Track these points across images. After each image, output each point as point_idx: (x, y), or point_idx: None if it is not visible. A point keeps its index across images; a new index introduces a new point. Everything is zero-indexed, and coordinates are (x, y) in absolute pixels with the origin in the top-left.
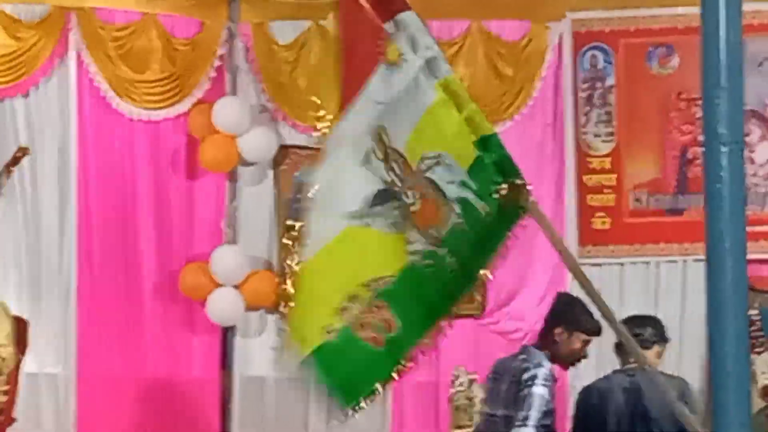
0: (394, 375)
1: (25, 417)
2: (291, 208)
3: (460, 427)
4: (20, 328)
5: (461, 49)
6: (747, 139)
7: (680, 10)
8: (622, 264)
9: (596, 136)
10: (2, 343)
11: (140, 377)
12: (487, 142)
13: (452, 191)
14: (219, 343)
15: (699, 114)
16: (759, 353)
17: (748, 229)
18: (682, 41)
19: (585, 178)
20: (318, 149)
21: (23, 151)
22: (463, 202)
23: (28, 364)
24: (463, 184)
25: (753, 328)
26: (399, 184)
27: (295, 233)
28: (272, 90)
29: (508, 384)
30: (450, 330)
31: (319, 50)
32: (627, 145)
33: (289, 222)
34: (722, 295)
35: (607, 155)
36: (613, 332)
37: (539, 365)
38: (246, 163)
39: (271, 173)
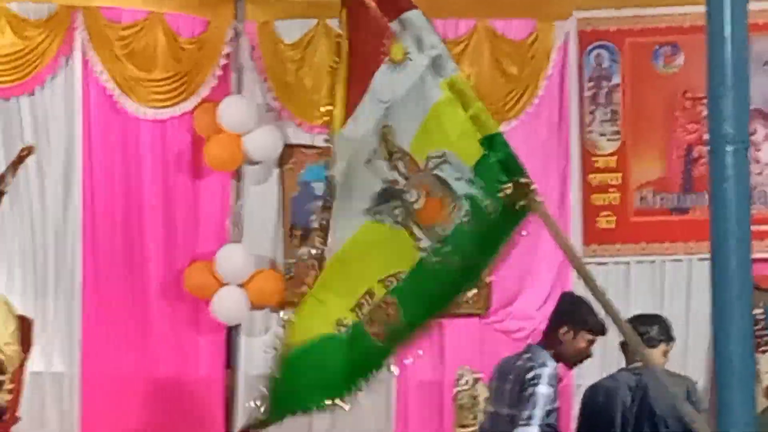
0: (386, 367)
1: (29, 416)
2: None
3: (464, 426)
4: (25, 326)
5: (467, 48)
6: (752, 138)
7: (686, 9)
8: (627, 263)
9: (602, 135)
10: (7, 342)
11: (145, 376)
12: (492, 141)
13: (461, 188)
14: (224, 342)
15: (704, 113)
16: (764, 352)
17: (754, 228)
18: (688, 40)
19: (590, 177)
20: (324, 148)
21: (28, 150)
22: (471, 198)
23: (33, 363)
24: (470, 181)
25: (758, 327)
26: (402, 182)
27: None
28: (278, 89)
29: (512, 383)
30: (444, 328)
31: (325, 49)
32: (632, 144)
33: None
34: (727, 294)
35: (612, 154)
36: (618, 331)
37: (544, 364)
38: (251, 162)
39: (276, 172)
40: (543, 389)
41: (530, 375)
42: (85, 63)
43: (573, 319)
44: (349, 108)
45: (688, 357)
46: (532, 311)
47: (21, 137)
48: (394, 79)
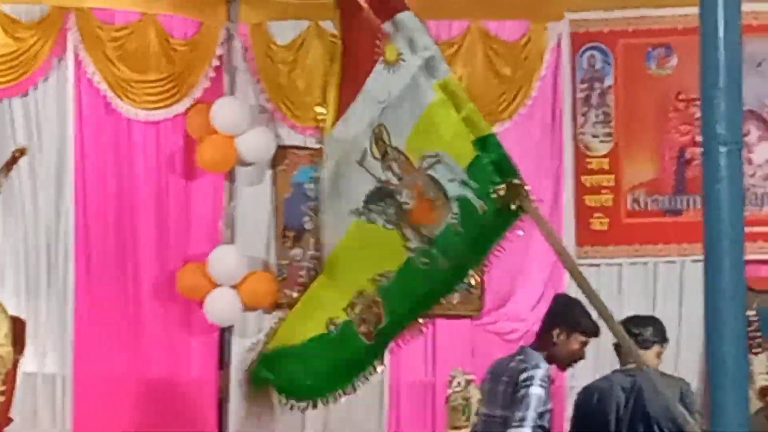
0: (375, 368)
1: (22, 417)
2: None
3: (456, 428)
4: (17, 327)
5: (460, 49)
6: (745, 139)
7: (679, 10)
8: (620, 264)
9: (594, 136)
10: (0, 343)
11: (138, 377)
12: (485, 142)
13: (453, 189)
14: (216, 344)
15: (698, 114)
16: (757, 354)
17: (747, 229)
18: (681, 42)
19: (583, 178)
20: (316, 149)
21: (21, 152)
22: (463, 200)
23: (26, 364)
24: (463, 183)
25: (751, 328)
26: (396, 182)
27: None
28: (270, 90)
29: (505, 385)
30: (436, 329)
31: (318, 50)
32: (625, 146)
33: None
34: (720, 296)
35: (605, 156)
36: (611, 333)
37: (536, 366)
38: (244, 164)
39: (269, 174)
40: (536, 391)
41: (523, 376)
42: (78, 64)
43: (566, 321)
44: (341, 109)
45: (680, 358)
46: (525, 313)
47: (13, 139)
48: (389, 79)
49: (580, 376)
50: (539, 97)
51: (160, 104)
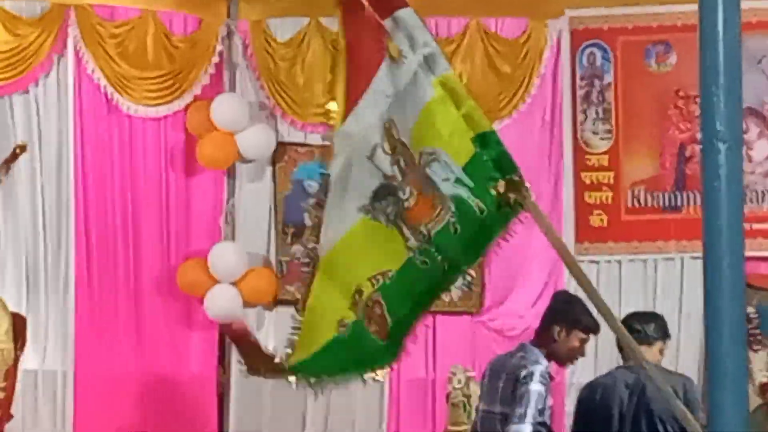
0: (388, 366)
1: (22, 414)
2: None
3: (457, 425)
4: (18, 324)
5: (460, 47)
6: (745, 136)
7: (679, 7)
8: (619, 261)
9: (594, 133)
10: (0, 340)
11: (138, 374)
12: (485, 139)
13: (447, 188)
14: (217, 340)
15: (697, 112)
16: (756, 351)
17: (746, 226)
18: (681, 39)
19: (583, 175)
20: (317, 146)
21: (21, 148)
22: (457, 199)
23: (26, 361)
24: (459, 181)
25: (750, 325)
26: (400, 178)
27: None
28: (270, 87)
29: (505, 381)
30: (436, 326)
31: (318, 47)
32: (625, 143)
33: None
34: (720, 293)
35: (605, 153)
36: (611, 330)
37: (536, 363)
38: (244, 160)
39: (269, 170)
40: (536, 387)
41: (523, 373)
42: (78, 61)
43: (566, 318)
44: (350, 104)
45: (680, 355)
46: (525, 310)
47: (14, 135)
48: (393, 75)
49: (580, 373)
50: (539, 94)
51: (161, 101)
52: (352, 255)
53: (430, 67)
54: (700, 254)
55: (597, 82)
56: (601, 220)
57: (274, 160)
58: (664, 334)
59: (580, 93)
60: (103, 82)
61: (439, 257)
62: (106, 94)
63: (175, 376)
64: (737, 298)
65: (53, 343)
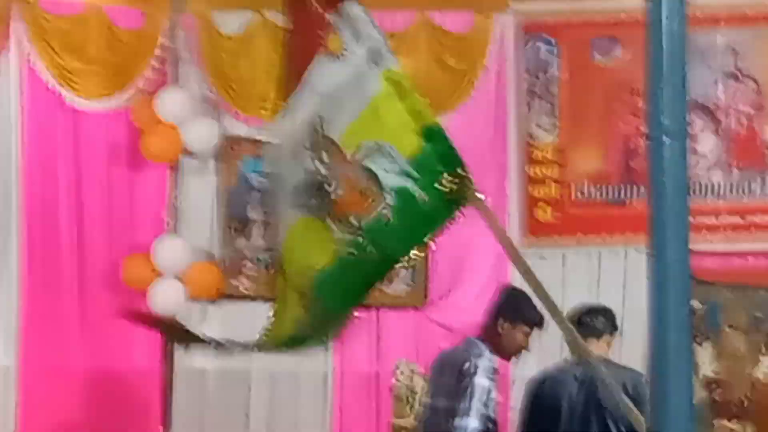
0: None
1: None
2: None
3: (401, 418)
4: None
5: (405, 40)
6: (691, 130)
7: (625, 1)
8: (565, 255)
9: (540, 127)
10: None
11: (83, 367)
12: (431, 133)
13: (390, 180)
14: (161, 335)
15: (643, 105)
16: (702, 345)
17: (691, 220)
18: (627, 33)
19: (528, 168)
20: (261, 140)
21: None
22: (401, 191)
23: None
24: (404, 173)
25: (697, 319)
26: (324, 173)
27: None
28: (216, 81)
29: (450, 376)
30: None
31: (264, 41)
32: (571, 137)
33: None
34: (665, 287)
35: (551, 146)
36: (556, 324)
37: (481, 356)
38: (189, 154)
39: (214, 164)
40: (480, 381)
41: (467, 367)
42: (23, 55)
43: (511, 312)
44: (284, 100)
45: (624, 348)
46: (470, 304)
47: None
48: (332, 70)
49: (524, 367)
50: (484, 88)
51: (105, 94)
52: (293, 253)
53: (376, 60)
54: (645, 248)
55: (542, 76)
56: (547, 213)
57: (219, 154)
58: (612, 328)
59: (525, 87)
60: (48, 76)
61: (369, 248)
62: (50, 88)
63: (119, 371)
64: (682, 291)
65: None
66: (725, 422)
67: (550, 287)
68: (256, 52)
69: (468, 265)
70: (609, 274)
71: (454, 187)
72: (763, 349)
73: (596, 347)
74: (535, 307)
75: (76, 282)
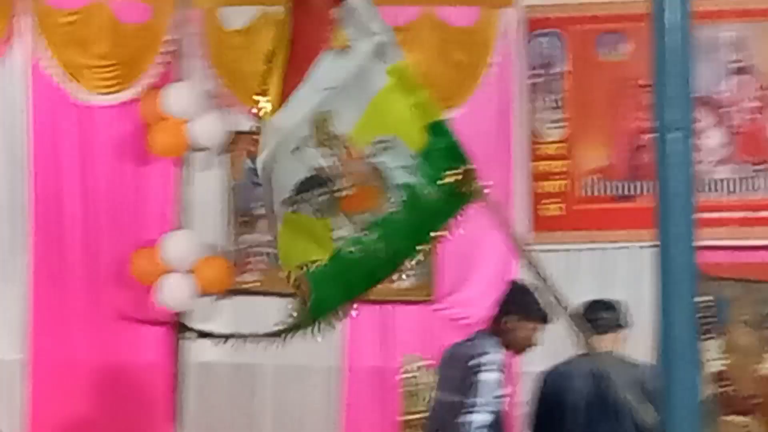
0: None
1: None
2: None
3: (411, 413)
4: None
5: (410, 36)
6: (697, 125)
7: None
8: (572, 250)
9: (547, 122)
10: None
11: (91, 362)
12: (436, 128)
13: (398, 177)
14: (170, 329)
15: (650, 100)
16: (709, 340)
17: (698, 215)
18: (633, 28)
19: (535, 164)
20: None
21: None
22: (408, 188)
23: None
24: (411, 169)
25: (703, 314)
26: (333, 170)
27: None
28: (223, 75)
29: (458, 370)
30: (391, 315)
31: (270, 36)
32: (577, 132)
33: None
34: (671, 282)
35: (557, 142)
36: (564, 319)
37: (490, 351)
38: (196, 149)
39: (221, 159)
40: (489, 376)
41: (476, 362)
42: (28, 50)
43: (519, 307)
44: (285, 97)
45: (632, 344)
46: (478, 298)
47: None
48: (337, 65)
49: (533, 362)
50: (491, 83)
51: (112, 89)
52: (284, 246)
53: (381, 55)
54: (653, 243)
55: (549, 71)
56: (554, 209)
57: (227, 149)
58: (623, 323)
59: (532, 82)
60: (55, 71)
61: (375, 246)
62: (56, 83)
63: (129, 366)
64: (689, 286)
65: (8, 333)
66: (732, 417)
67: (558, 282)
68: (263, 47)
69: (475, 259)
70: (615, 270)
71: (460, 182)
72: None
73: (607, 342)
74: (543, 303)
75: (84, 277)
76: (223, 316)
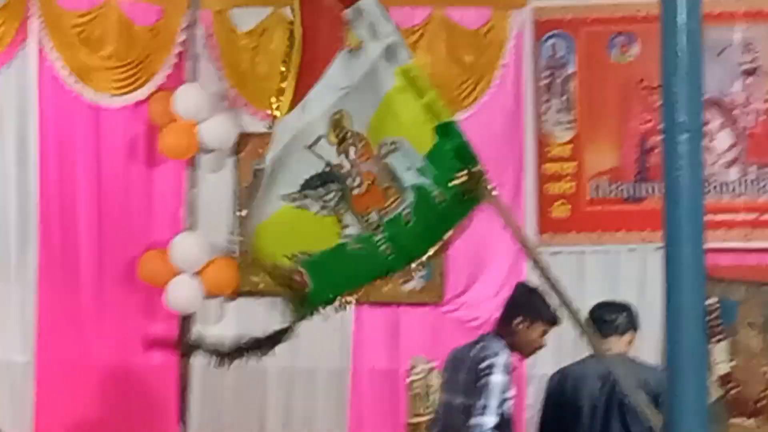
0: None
1: None
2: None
3: (418, 415)
4: None
5: (422, 37)
6: (707, 127)
7: None
8: (581, 252)
9: (556, 124)
10: None
11: (99, 364)
12: (446, 129)
13: (408, 178)
14: (178, 331)
15: (659, 102)
16: (717, 342)
17: (707, 217)
18: (643, 29)
19: (545, 166)
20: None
21: None
22: (418, 188)
23: None
24: (421, 170)
25: (711, 317)
26: (348, 167)
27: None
28: (233, 77)
29: (466, 372)
30: (398, 317)
31: (280, 38)
32: (587, 134)
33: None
34: (680, 284)
35: (567, 143)
36: (572, 321)
37: (497, 354)
38: (206, 151)
39: (231, 161)
40: (497, 378)
41: (484, 364)
42: (40, 51)
43: (527, 309)
44: (299, 96)
45: (641, 346)
46: (487, 300)
47: None
48: (350, 65)
49: (540, 365)
50: (501, 84)
51: (122, 91)
52: (270, 236)
53: (391, 56)
54: (661, 245)
55: (560, 73)
56: (563, 210)
57: (236, 151)
58: (633, 325)
59: (542, 83)
60: (66, 72)
61: (383, 246)
62: (68, 84)
63: (136, 367)
64: (697, 289)
65: (15, 334)
66: (740, 420)
67: (567, 285)
68: (273, 49)
69: (485, 261)
70: (625, 272)
71: (470, 184)
72: None
73: (617, 344)
74: (551, 305)
75: (93, 279)
76: (232, 318)
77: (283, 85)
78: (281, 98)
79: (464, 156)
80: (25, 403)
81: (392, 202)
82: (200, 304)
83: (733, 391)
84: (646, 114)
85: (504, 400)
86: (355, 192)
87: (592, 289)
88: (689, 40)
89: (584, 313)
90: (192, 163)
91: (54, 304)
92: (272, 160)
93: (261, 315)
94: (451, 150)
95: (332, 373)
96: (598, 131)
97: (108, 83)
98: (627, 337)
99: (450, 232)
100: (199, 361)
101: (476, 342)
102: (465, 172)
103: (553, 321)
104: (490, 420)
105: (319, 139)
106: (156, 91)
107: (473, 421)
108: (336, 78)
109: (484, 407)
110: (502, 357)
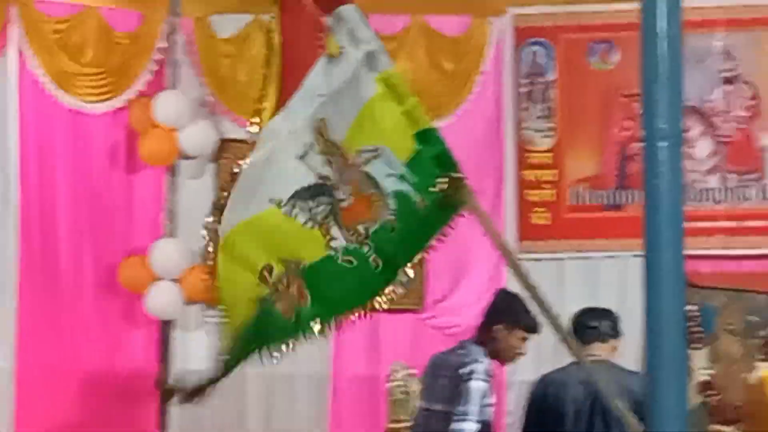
0: (288, 344)
1: None
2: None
3: (398, 422)
4: None
5: (402, 44)
6: (687, 135)
7: (621, 5)
8: (561, 259)
9: (536, 131)
10: None
11: (79, 370)
12: (426, 136)
13: (389, 184)
14: (157, 337)
15: (639, 110)
16: (697, 349)
17: (687, 224)
18: (623, 37)
19: (525, 173)
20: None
21: None
22: (400, 195)
23: None
24: (401, 177)
25: (691, 323)
26: (334, 178)
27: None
28: (213, 84)
29: (445, 379)
30: (378, 323)
31: (260, 44)
32: (567, 141)
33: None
34: (659, 291)
35: (547, 151)
36: (552, 328)
37: (477, 360)
38: (186, 157)
39: (211, 167)
40: (477, 385)
41: (464, 371)
42: (20, 57)
43: (507, 316)
44: (282, 102)
45: (623, 352)
46: (467, 307)
47: None
48: (330, 73)
49: (521, 371)
50: (481, 92)
51: (102, 97)
52: (257, 237)
53: (371, 63)
54: (641, 252)
55: (540, 80)
56: (543, 218)
57: (216, 157)
58: (617, 331)
59: (522, 91)
60: (46, 78)
61: (372, 257)
62: (48, 90)
63: (116, 373)
64: (677, 295)
65: None
66: (720, 427)
67: (547, 292)
68: (253, 56)
69: (465, 268)
70: (605, 278)
71: (450, 190)
72: (758, 354)
73: (601, 351)
74: (530, 312)
75: (73, 284)
76: (211, 325)
77: (264, 92)
78: (263, 104)
79: (445, 163)
80: (6, 408)
81: (377, 210)
82: (180, 311)
83: (712, 398)
84: (626, 121)
85: (484, 407)
86: (344, 204)
87: (572, 296)
88: (669, 47)
89: (565, 320)
90: (172, 170)
91: (34, 310)
92: (257, 161)
93: None
94: (432, 157)
95: (312, 378)
96: (579, 138)
97: (88, 89)
98: (611, 343)
99: (431, 239)
100: (178, 367)
101: (456, 348)
102: (446, 178)
103: (533, 328)
104: (470, 426)
105: (307, 149)
106: (136, 98)
107: (453, 427)
108: (315, 85)
109: (464, 413)
110: (482, 363)
